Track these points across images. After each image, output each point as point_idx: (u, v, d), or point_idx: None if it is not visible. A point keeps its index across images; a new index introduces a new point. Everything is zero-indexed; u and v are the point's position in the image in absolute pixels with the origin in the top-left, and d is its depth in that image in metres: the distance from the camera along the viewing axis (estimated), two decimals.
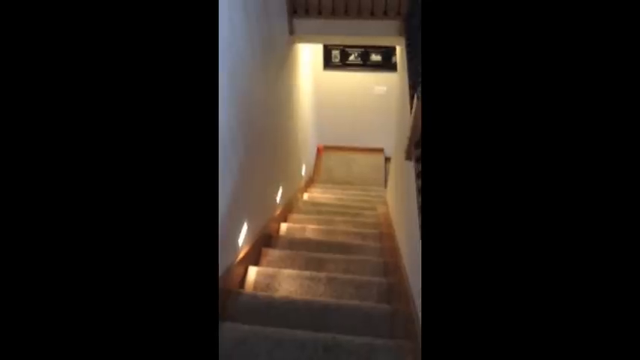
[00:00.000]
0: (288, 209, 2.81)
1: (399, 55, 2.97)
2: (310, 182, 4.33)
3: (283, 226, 2.47)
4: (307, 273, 1.75)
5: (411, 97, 1.83)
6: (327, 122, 4.91)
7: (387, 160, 4.67)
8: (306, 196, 3.66)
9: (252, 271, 1.74)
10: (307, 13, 2.47)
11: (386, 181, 4.19)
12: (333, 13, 2.44)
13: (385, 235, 2.45)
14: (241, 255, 1.68)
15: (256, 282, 1.71)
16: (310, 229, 2.46)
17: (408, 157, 1.67)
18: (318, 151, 5.15)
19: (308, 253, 2.01)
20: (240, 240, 1.67)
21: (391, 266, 1.95)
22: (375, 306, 1.51)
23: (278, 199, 2.46)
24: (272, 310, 1.46)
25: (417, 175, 1.47)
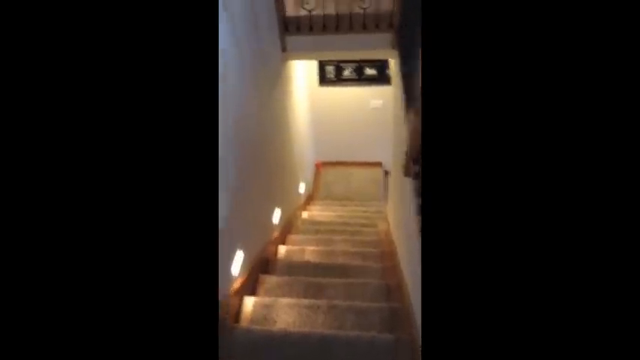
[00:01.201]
0: (287, 230, 2.72)
1: (393, 68, 2.94)
2: (310, 199, 4.25)
3: (282, 249, 2.38)
4: (306, 301, 1.66)
5: (406, 111, 1.76)
6: (324, 138, 4.86)
7: (386, 173, 4.60)
8: (305, 214, 3.57)
9: (249, 302, 1.65)
10: (299, 30, 2.44)
11: (385, 195, 4.11)
12: (325, 29, 2.41)
13: (386, 254, 2.35)
14: (236, 285, 1.59)
15: (253, 313, 1.61)
16: (309, 251, 2.37)
17: (407, 174, 1.60)
18: (317, 167, 5.08)
19: (307, 278, 1.92)
20: (236, 269, 1.58)
21: (393, 288, 1.85)
22: (377, 336, 1.41)
23: (276, 220, 2.38)
24: (269, 346, 1.36)
25: (417, 193, 1.39)
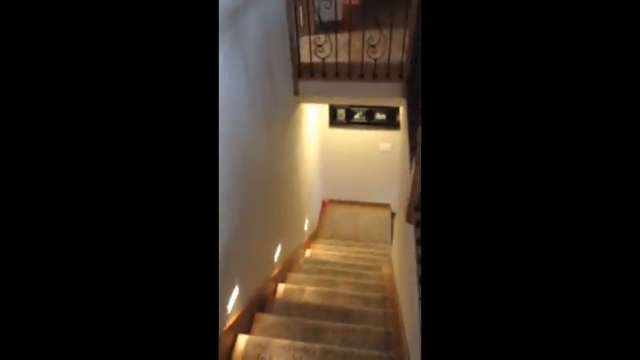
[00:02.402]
0: (288, 268, 2.70)
1: (402, 115, 3.03)
2: (314, 237, 4.23)
3: (280, 287, 2.35)
4: (301, 344, 1.61)
5: (410, 158, 1.81)
6: (333, 177, 4.92)
7: (393, 215, 4.58)
8: (308, 252, 3.54)
9: (242, 340, 1.62)
10: (312, 75, 2.57)
11: (392, 237, 4.06)
12: (337, 76, 2.53)
13: (389, 300, 2.30)
14: (230, 322, 1.57)
15: (245, 353, 1.58)
16: (309, 292, 2.34)
17: (409, 220, 1.61)
18: (324, 204, 5.10)
19: (304, 319, 1.88)
20: (231, 305, 1.57)
21: (393, 337, 1.79)
22: None
23: (276, 257, 2.37)
24: None
25: (417, 242, 1.39)
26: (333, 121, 4.36)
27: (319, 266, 3.06)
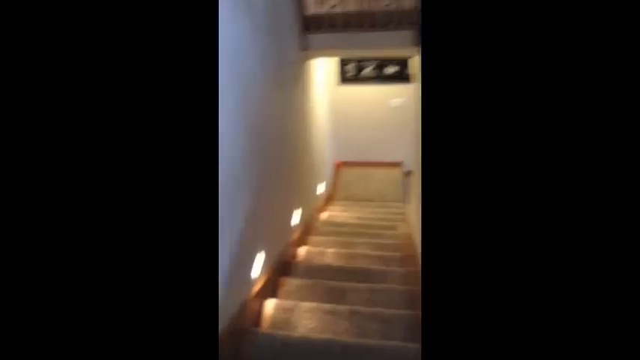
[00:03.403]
0: (307, 231, 2.70)
1: (414, 66, 2.86)
2: (329, 200, 4.22)
3: (301, 251, 2.35)
4: (328, 306, 1.62)
5: None
6: (344, 138, 4.81)
7: (406, 173, 4.51)
8: (325, 215, 3.54)
9: (270, 305, 1.63)
10: (319, 28, 2.40)
11: (405, 196, 4.03)
12: (346, 27, 2.36)
13: (409, 258, 2.29)
14: (257, 288, 1.57)
15: (274, 317, 1.59)
16: (330, 254, 2.34)
17: None
18: (336, 167, 5.04)
19: (328, 281, 1.89)
20: (257, 272, 1.56)
21: (417, 295, 1.79)
22: (403, 346, 1.36)
23: (296, 222, 2.36)
24: (289, 354, 1.33)
25: None
26: (343, 78, 4.18)
27: (336, 228, 3.06)
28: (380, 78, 4.10)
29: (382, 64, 4.02)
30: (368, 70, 4.10)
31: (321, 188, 3.57)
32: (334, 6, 2.26)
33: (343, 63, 4.09)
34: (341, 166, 5.07)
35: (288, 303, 1.65)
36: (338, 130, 4.70)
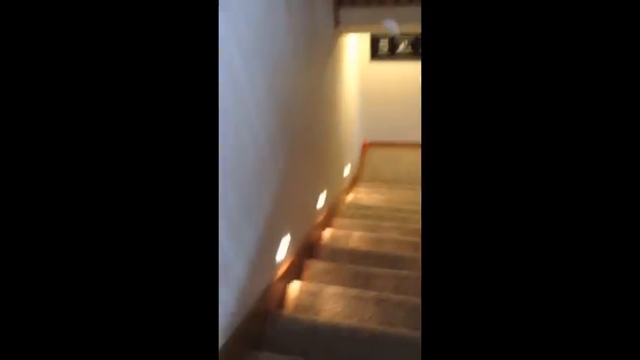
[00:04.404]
0: (332, 213, 2.66)
1: None
2: (355, 180, 4.15)
3: (326, 233, 2.32)
4: (354, 291, 1.59)
5: None
6: (374, 116, 4.66)
7: None
8: (350, 196, 3.48)
9: (295, 287, 1.62)
10: (354, 3, 2.27)
11: None
12: (382, 1, 2.22)
13: None
14: (282, 270, 1.56)
15: (298, 300, 1.58)
16: (356, 237, 2.30)
17: None
18: (364, 147, 4.93)
19: (354, 266, 1.85)
20: (282, 254, 1.54)
21: None
22: None
23: (321, 203, 2.32)
24: (314, 338, 1.32)
25: None
26: (375, 55, 3.99)
27: (363, 211, 3.00)
28: (416, 54, 3.89)
29: (419, 39, 3.80)
30: (403, 47, 3.89)
31: (347, 169, 3.50)
32: None
33: (376, 38, 3.90)
34: (369, 146, 4.96)
35: (312, 286, 1.63)
36: (367, 109, 4.56)
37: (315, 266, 1.84)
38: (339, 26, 2.38)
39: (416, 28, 3.27)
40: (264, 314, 1.37)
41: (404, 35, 3.80)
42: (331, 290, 1.60)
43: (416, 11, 2.25)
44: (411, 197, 3.64)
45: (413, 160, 4.66)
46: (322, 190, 2.33)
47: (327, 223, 2.48)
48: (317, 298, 1.58)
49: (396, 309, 1.52)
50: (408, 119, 4.61)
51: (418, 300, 1.57)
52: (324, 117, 2.40)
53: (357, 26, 2.44)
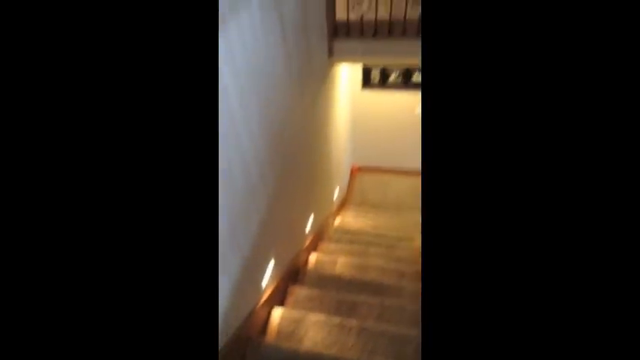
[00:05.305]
0: (319, 237, 2.66)
1: None
2: (343, 204, 4.17)
3: (312, 258, 2.32)
4: (336, 320, 1.58)
5: None
6: (364, 142, 4.75)
7: None
8: (338, 220, 3.50)
9: (277, 314, 1.60)
10: (348, 34, 2.36)
11: None
12: (376, 34, 2.31)
13: None
14: (265, 296, 1.54)
15: (280, 327, 1.56)
16: (341, 263, 2.29)
17: None
18: (353, 171, 4.99)
19: (338, 293, 1.84)
20: (266, 279, 1.54)
21: None
22: None
23: (308, 227, 2.32)
24: None
25: None
26: (367, 84, 4.12)
27: (350, 236, 3.01)
28: (406, 85, 4.02)
29: (409, 71, 3.94)
30: (393, 77, 4.03)
31: (336, 192, 3.53)
32: (365, 12, 2.21)
33: (368, 69, 4.03)
34: (359, 170, 5.02)
35: (295, 313, 1.62)
36: (358, 135, 4.64)
37: (299, 292, 1.83)
38: (332, 56, 2.46)
39: (406, 61, 3.39)
40: (246, 340, 1.35)
41: (395, 66, 3.94)
42: (314, 318, 1.59)
43: (407, 45, 2.35)
44: (398, 224, 3.68)
45: (401, 187, 4.73)
46: (310, 214, 2.34)
47: (313, 247, 2.48)
48: (299, 325, 1.57)
49: (378, 338, 1.51)
50: (397, 146, 4.71)
51: (400, 330, 1.56)
52: (315, 142, 2.44)
53: (350, 57, 2.53)
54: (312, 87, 2.15)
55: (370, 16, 2.24)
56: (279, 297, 1.74)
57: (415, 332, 1.56)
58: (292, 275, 1.95)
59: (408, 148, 4.64)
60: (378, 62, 3.81)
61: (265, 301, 1.53)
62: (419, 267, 2.37)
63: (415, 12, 2.19)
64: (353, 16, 2.28)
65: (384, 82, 4.06)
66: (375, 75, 4.04)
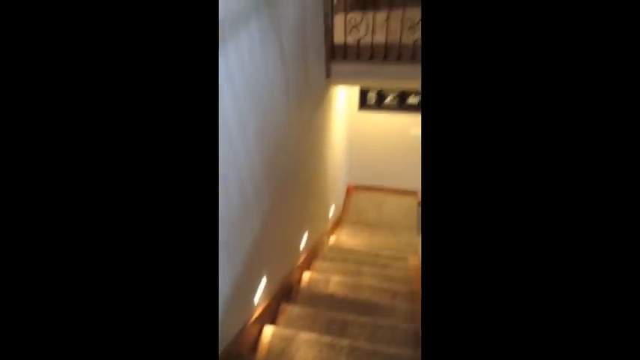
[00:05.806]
0: (313, 255, 2.66)
1: None
2: (338, 223, 4.18)
3: (305, 276, 2.31)
4: (328, 339, 1.57)
5: None
6: (360, 162, 4.81)
7: (421, 203, 4.43)
8: (332, 239, 3.50)
9: (268, 331, 1.59)
10: (345, 57, 2.44)
11: (419, 226, 3.95)
12: (372, 58, 2.39)
13: (417, 294, 2.22)
14: (257, 313, 1.54)
15: (271, 345, 1.55)
16: (335, 282, 2.29)
17: None
18: (349, 190, 5.02)
19: (330, 312, 1.84)
20: (258, 297, 1.53)
21: None
22: None
23: (302, 245, 2.33)
24: None
25: None
26: (363, 105, 4.20)
27: (344, 255, 3.01)
28: (401, 107, 4.11)
29: (405, 93, 4.04)
30: (389, 99, 4.12)
31: (331, 210, 3.54)
32: (362, 37, 2.29)
33: (365, 90, 4.13)
34: (354, 189, 5.05)
35: (287, 332, 1.61)
36: (354, 154, 4.70)
37: (291, 310, 1.82)
38: (330, 78, 2.53)
39: (401, 84, 3.48)
40: (236, 357, 1.34)
41: (391, 89, 4.04)
42: (305, 336, 1.58)
43: (402, 68, 2.42)
44: (392, 243, 3.68)
45: (396, 206, 4.75)
46: (304, 232, 2.35)
47: (307, 265, 2.48)
48: (290, 343, 1.55)
49: (370, 358, 1.50)
50: (392, 166, 4.77)
51: (391, 350, 1.56)
52: (311, 160, 2.48)
53: (346, 79, 2.60)
54: (309, 107, 2.20)
55: (367, 40, 2.32)
56: (271, 314, 1.73)
57: (407, 352, 1.55)
58: (285, 293, 1.94)
59: (403, 168, 4.69)
60: (373, 85, 3.90)
61: (257, 318, 1.52)
62: (412, 287, 2.36)
63: (410, 38, 2.27)
64: (350, 40, 2.36)
65: (380, 104, 4.15)
66: (372, 96, 4.14)
